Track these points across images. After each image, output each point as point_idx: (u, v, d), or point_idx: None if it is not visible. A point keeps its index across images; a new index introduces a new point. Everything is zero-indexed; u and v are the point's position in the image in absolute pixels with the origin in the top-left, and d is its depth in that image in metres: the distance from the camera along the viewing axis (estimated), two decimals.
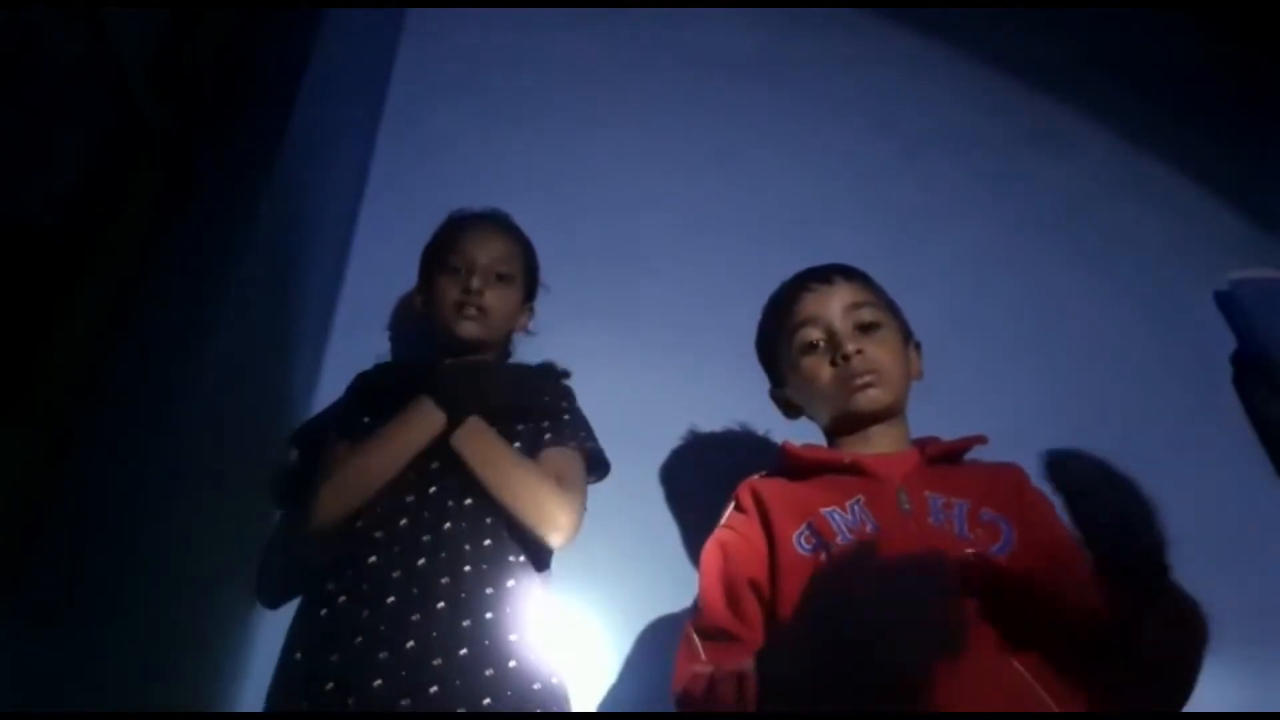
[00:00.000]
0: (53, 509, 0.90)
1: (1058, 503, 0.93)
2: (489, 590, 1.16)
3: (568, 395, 1.39)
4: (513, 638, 1.13)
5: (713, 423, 1.56)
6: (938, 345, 1.33)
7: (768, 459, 1.23)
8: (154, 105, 1.18)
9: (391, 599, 1.13)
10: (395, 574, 1.15)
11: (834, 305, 1.16)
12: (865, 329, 1.15)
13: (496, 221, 1.46)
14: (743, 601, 1.03)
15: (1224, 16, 2.54)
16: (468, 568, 1.17)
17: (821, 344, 1.15)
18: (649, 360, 1.61)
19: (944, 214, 2.01)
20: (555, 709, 1.13)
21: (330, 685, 1.07)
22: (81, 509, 0.91)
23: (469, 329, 1.36)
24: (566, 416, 1.35)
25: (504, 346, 1.48)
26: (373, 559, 1.16)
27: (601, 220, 1.79)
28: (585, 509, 1.26)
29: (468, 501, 1.22)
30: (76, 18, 1.03)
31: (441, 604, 1.13)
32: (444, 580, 1.15)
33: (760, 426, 1.52)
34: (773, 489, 1.10)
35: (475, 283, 1.36)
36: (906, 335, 1.22)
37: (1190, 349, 1.90)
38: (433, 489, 1.23)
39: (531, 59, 2.06)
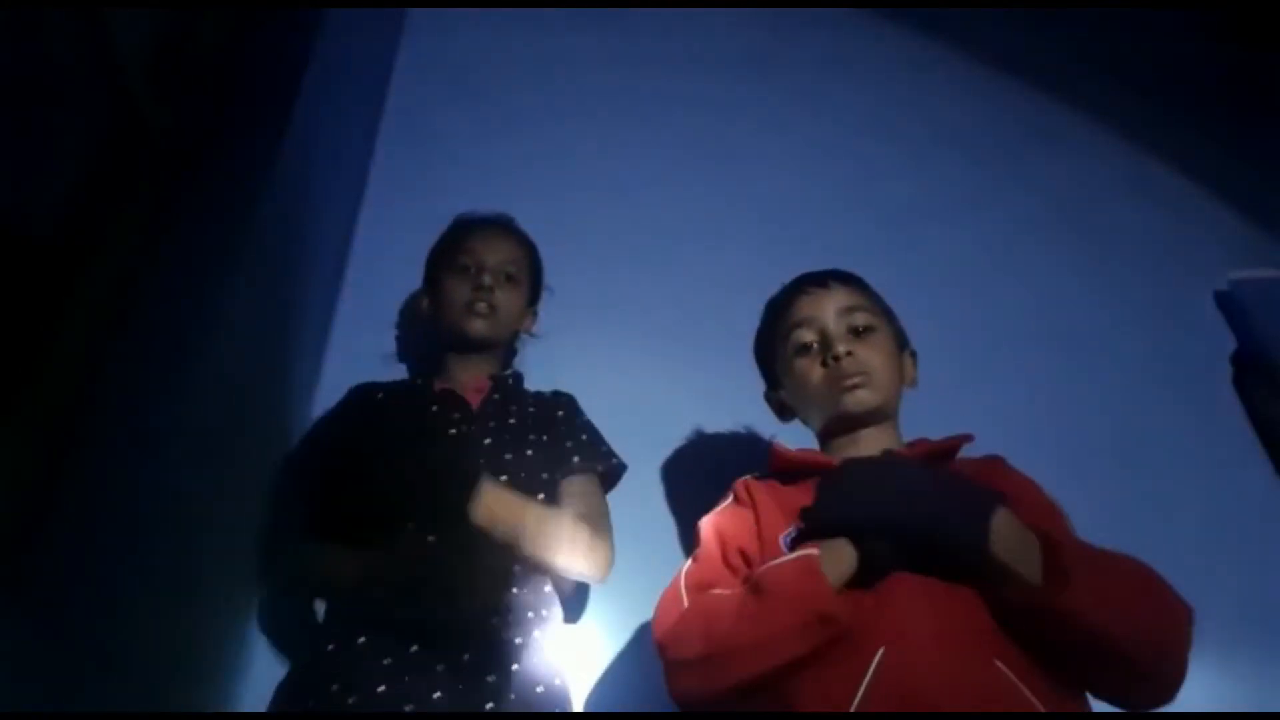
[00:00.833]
0: (53, 509, 0.90)
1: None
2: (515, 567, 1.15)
3: (575, 408, 1.39)
4: (517, 640, 1.12)
5: (713, 423, 1.56)
6: (937, 345, 1.33)
7: (762, 457, 1.23)
8: (154, 105, 1.18)
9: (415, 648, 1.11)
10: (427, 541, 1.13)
11: (829, 308, 1.18)
12: (858, 332, 1.17)
13: (503, 225, 1.47)
14: (734, 566, 1.05)
15: (1223, 16, 2.54)
16: None
17: (815, 346, 1.17)
18: (649, 360, 1.61)
19: (943, 214, 2.01)
20: (558, 710, 1.13)
21: (336, 686, 1.06)
22: (81, 509, 0.91)
23: (479, 326, 1.36)
24: (585, 436, 1.35)
25: (509, 347, 1.48)
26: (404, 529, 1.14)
27: (601, 220, 1.79)
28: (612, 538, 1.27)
29: (503, 478, 1.20)
30: (76, 18, 1.03)
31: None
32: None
33: (760, 426, 1.52)
34: (765, 489, 1.12)
35: (486, 280, 1.36)
36: (902, 342, 1.23)
37: (1190, 349, 1.90)
38: None
39: (531, 59, 2.06)
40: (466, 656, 1.09)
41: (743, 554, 1.05)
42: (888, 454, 1.09)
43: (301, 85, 1.36)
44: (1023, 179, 2.13)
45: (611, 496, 1.35)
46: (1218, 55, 2.51)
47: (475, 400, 1.33)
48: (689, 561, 1.09)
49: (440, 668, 1.07)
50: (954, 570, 0.92)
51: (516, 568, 1.16)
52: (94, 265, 1.06)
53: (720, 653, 0.92)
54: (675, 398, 1.58)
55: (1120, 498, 1.58)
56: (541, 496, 1.24)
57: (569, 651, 1.21)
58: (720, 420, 1.56)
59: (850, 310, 1.18)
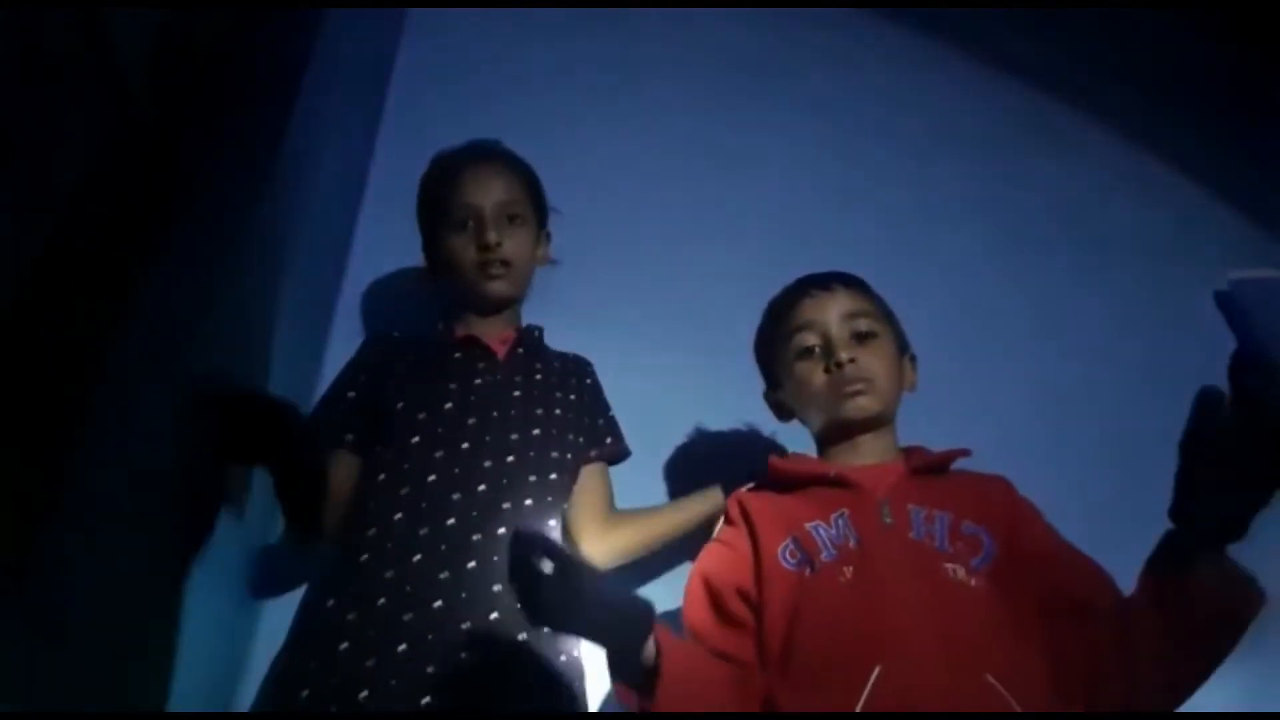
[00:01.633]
0: (53, 509, 0.90)
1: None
2: (551, 522, 1.15)
3: (597, 377, 1.36)
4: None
5: (714, 421, 1.56)
6: (937, 344, 1.33)
7: (770, 454, 1.23)
8: (154, 105, 1.18)
9: (418, 557, 1.09)
10: (423, 531, 1.11)
11: (832, 312, 1.18)
12: (861, 338, 1.17)
13: (490, 157, 1.34)
14: (731, 614, 1.05)
15: (1224, 17, 2.53)
16: (501, 530, 1.11)
17: (817, 350, 1.17)
18: (650, 360, 1.61)
19: (943, 214, 2.01)
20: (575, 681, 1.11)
21: (346, 645, 1.04)
22: (81, 509, 0.91)
23: (498, 289, 1.28)
24: (610, 413, 1.33)
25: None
26: (398, 516, 1.12)
27: (601, 220, 1.79)
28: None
29: (509, 459, 1.18)
30: (76, 17, 1.03)
31: (473, 563, 1.09)
32: (475, 538, 1.11)
33: (762, 425, 1.52)
34: (759, 502, 1.13)
35: (491, 236, 1.26)
36: (902, 347, 1.23)
37: (1190, 349, 1.90)
38: (465, 444, 1.18)
39: (532, 60, 2.05)
40: (494, 615, 1.07)
41: (740, 593, 1.05)
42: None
43: (301, 85, 1.35)
44: (1023, 179, 2.13)
45: (614, 496, 1.35)
46: (1218, 55, 2.50)
47: (501, 350, 1.29)
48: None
49: (465, 625, 1.05)
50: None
51: (528, 502, 1.16)
52: (94, 265, 1.06)
53: None
54: (674, 398, 1.58)
55: (1120, 498, 1.57)
56: (570, 456, 1.23)
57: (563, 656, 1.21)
58: (720, 420, 1.56)
59: (853, 315, 1.18)
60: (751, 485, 1.18)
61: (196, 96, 1.27)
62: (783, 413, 1.27)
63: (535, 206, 1.37)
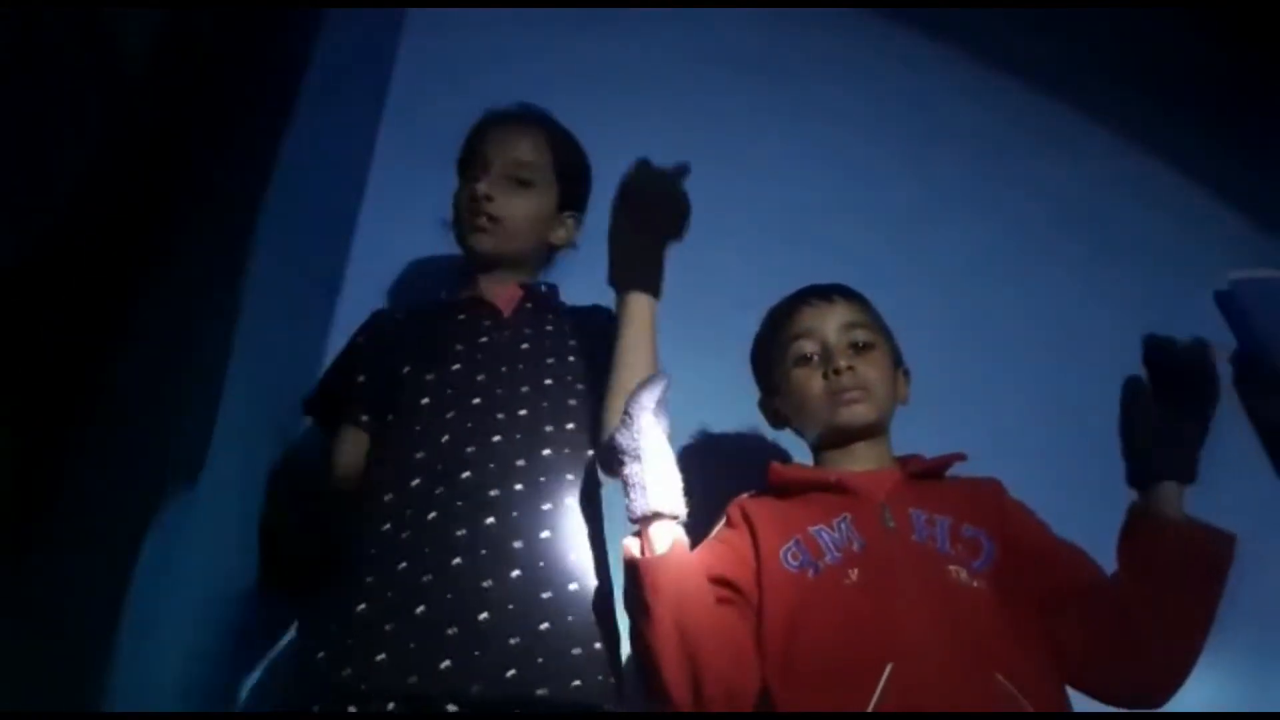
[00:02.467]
0: (53, 509, 0.90)
1: None
2: (545, 506, 1.10)
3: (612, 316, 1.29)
4: (572, 557, 1.08)
5: (714, 423, 1.56)
6: (937, 344, 1.33)
7: (769, 458, 1.23)
8: (154, 106, 1.18)
9: (433, 514, 1.07)
10: (439, 490, 1.09)
11: (831, 322, 1.19)
12: (859, 348, 1.18)
13: (523, 119, 1.32)
14: (727, 601, 1.05)
15: (1224, 16, 2.53)
16: (519, 486, 1.10)
17: (815, 357, 1.19)
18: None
19: (944, 214, 2.01)
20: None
21: (364, 607, 1.02)
22: (81, 509, 0.91)
23: (480, 242, 1.24)
24: None
25: (537, 263, 1.34)
26: (415, 481, 1.10)
27: (600, 220, 1.79)
28: None
29: (522, 412, 1.15)
30: (76, 17, 1.03)
31: (491, 519, 1.07)
32: (493, 493, 1.08)
33: (760, 429, 1.52)
34: (761, 507, 1.14)
35: (481, 188, 1.23)
36: (897, 361, 1.25)
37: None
38: (476, 399, 1.15)
39: (532, 59, 2.05)
40: (516, 573, 1.04)
41: (727, 583, 1.06)
42: None
43: (301, 85, 1.36)
44: (1023, 179, 2.13)
45: (613, 496, 1.34)
46: (1218, 55, 2.50)
47: (507, 309, 1.26)
48: None
49: (487, 584, 1.03)
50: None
51: (546, 451, 1.13)
52: (94, 265, 1.06)
53: None
54: (674, 398, 1.57)
55: (1120, 498, 1.57)
56: (579, 403, 1.19)
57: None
58: (720, 421, 1.56)
59: (852, 326, 1.20)
60: (753, 492, 1.19)
61: (196, 96, 1.28)
62: (777, 420, 1.28)
63: (560, 179, 1.32)
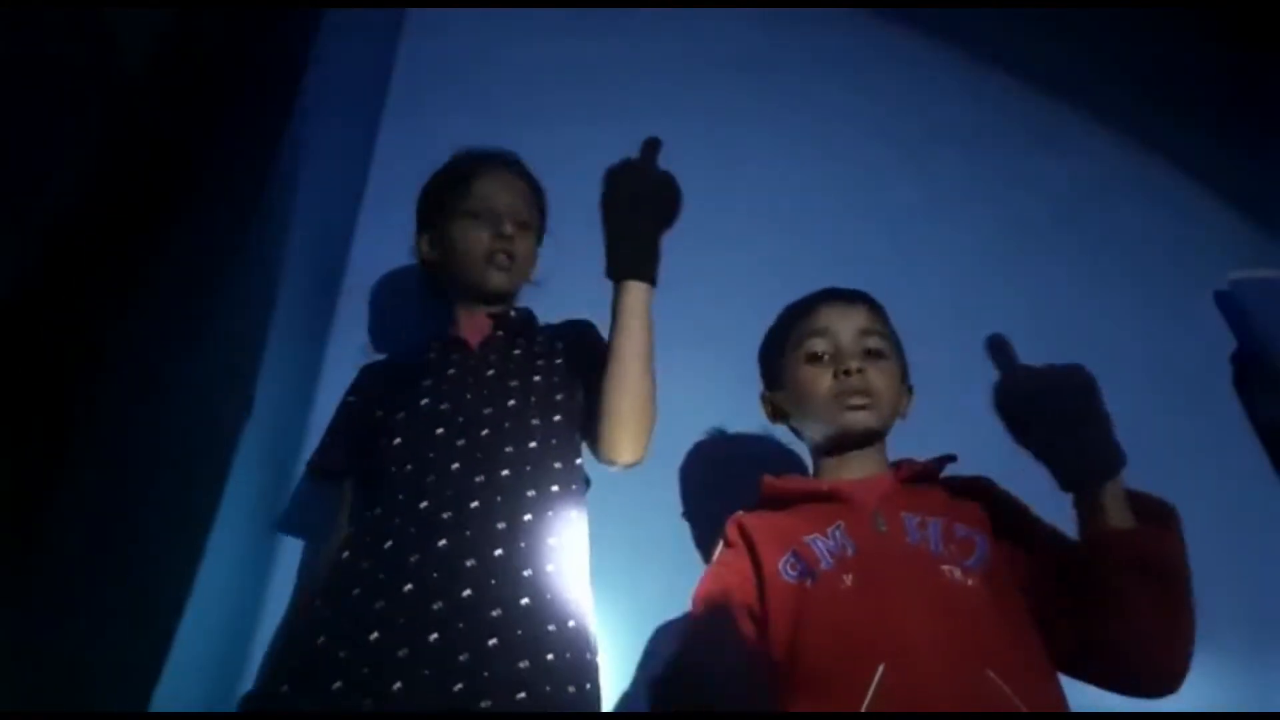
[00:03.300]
0: (52, 509, 0.90)
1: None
2: (500, 525, 1.12)
3: (590, 331, 1.34)
4: (526, 573, 1.10)
5: (710, 419, 1.56)
6: (936, 343, 1.33)
7: (770, 458, 1.23)
8: (154, 106, 1.18)
9: (425, 503, 1.11)
10: (429, 479, 1.13)
11: (849, 324, 1.20)
12: (871, 355, 1.18)
13: (510, 165, 1.40)
14: (738, 627, 1.07)
15: (1224, 17, 2.53)
16: (505, 471, 1.14)
17: (827, 356, 1.19)
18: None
19: (944, 214, 2.01)
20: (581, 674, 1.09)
21: (356, 591, 1.06)
22: (81, 509, 0.91)
23: (499, 280, 1.30)
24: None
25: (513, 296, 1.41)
26: (408, 467, 1.15)
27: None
28: None
29: (484, 433, 1.18)
30: (76, 17, 1.03)
31: (444, 541, 1.09)
32: (478, 479, 1.12)
33: (761, 427, 1.52)
34: (757, 522, 1.14)
35: (508, 229, 1.30)
36: (904, 376, 1.25)
37: (1190, 349, 1.90)
38: (440, 430, 1.18)
39: (531, 59, 2.05)
40: (498, 552, 1.08)
41: (748, 611, 1.08)
42: None
43: (301, 85, 1.36)
44: (1023, 179, 2.13)
45: (617, 495, 1.35)
46: (1218, 55, 2.51)
47: (475, 340, 1.30)
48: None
49: (470, 564, 1.06)
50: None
51: (532, 444, 1.16)
52: (94, 265, 1.06)
53: None
54: (675, 395, 1.57)
55: None
56: (558, 418, 1.22)
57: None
58: (719, 419, 1.56)
59: (868, 333, 1.20)
60: (748, 507, 1.19)
61: (197, 96, 1.28)
62: (776, 415, 1.28)
63: (539, 224, 1.41)
